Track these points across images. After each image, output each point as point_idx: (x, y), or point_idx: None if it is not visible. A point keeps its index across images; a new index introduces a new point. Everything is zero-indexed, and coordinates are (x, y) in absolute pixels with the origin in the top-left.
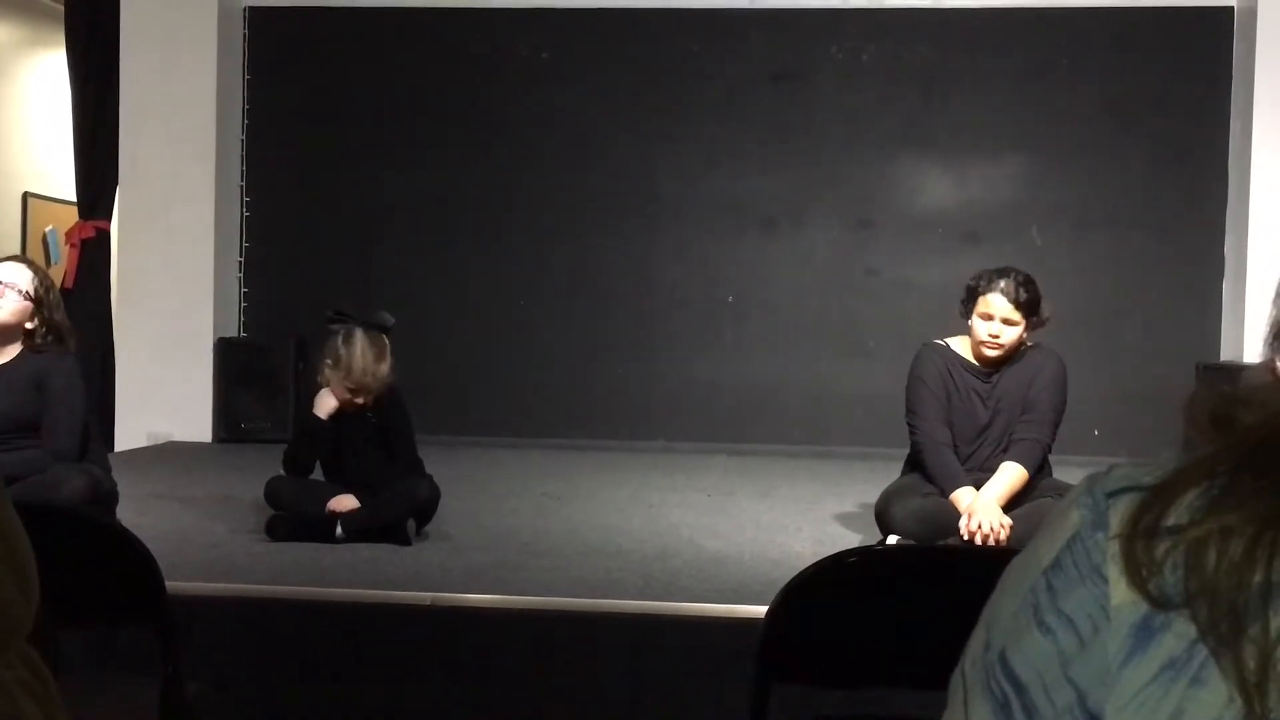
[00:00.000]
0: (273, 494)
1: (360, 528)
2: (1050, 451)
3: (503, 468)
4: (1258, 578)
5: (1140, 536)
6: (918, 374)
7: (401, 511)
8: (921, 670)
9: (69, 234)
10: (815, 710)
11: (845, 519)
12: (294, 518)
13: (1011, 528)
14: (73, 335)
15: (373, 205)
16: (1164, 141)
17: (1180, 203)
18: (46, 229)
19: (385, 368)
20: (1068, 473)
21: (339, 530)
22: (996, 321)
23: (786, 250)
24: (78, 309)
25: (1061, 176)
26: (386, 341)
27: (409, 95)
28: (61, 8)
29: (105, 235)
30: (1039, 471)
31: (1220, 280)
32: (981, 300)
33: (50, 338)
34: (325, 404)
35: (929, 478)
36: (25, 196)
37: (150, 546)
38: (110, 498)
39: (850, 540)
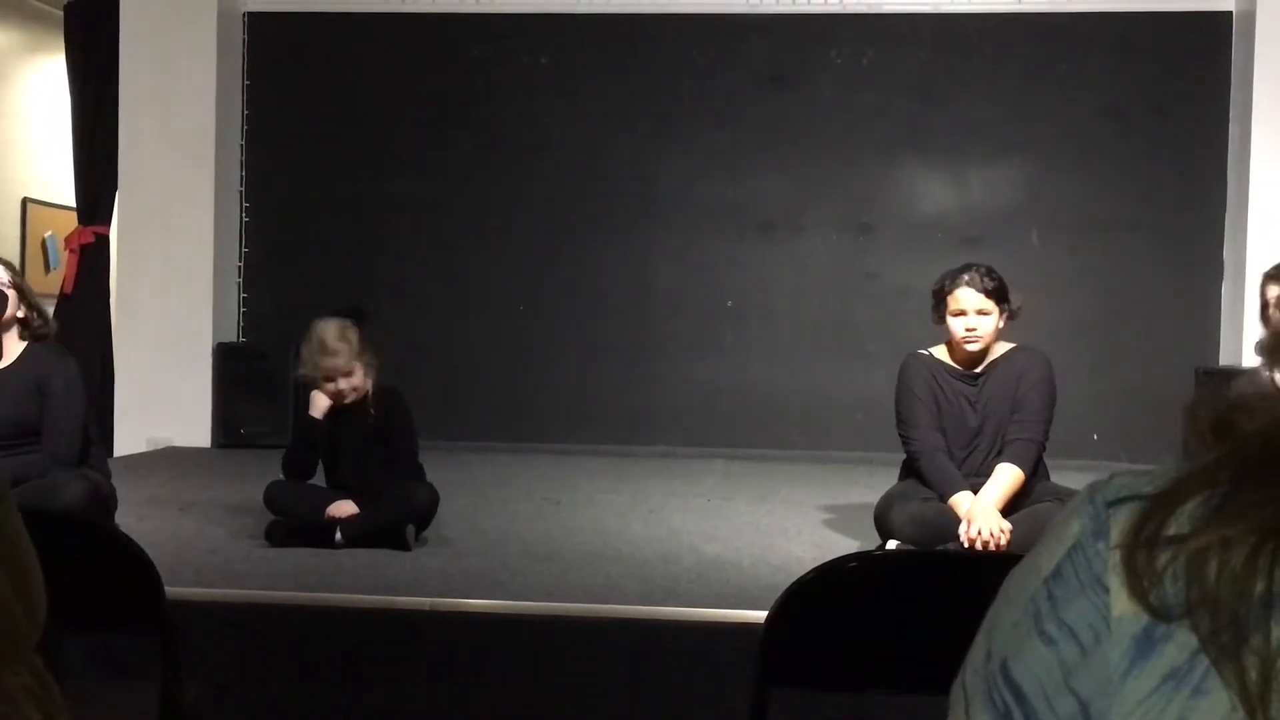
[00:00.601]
0: (272, 499)
1: (359, 533)
2: (1045, 450)
3: (502, 472)
4: (1259, 588)
5: (1141, 546)
6: (906, 385)
7: (400, 516)
8: (922, 675)
9: (68, 239)
10: (815, 715)
11: (845, 524)
12: (293, 523)
13: (1011, 532)
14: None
15: (372, 210)
16: (1163, 145)
17: (1179, 207)
18: (46, 234)
19: (348, 345)
20: (1067, 477)
21: (338, 535)
22: (971, 315)
23: (786, 255)
24: (77, 314)
25: (1061, 180)
26: (351, 323)
27: (408, 100)
28: (61, 13)
29: (104, 240)
30: (1035, 472)
31: (1219, 284)
32: (951, 299)
33: (41, 322)
34: (319, 403)
35: (927, 484)
36: (24, 202)
37: (149, 552)
38: (110, 503)
39: (850, 545)
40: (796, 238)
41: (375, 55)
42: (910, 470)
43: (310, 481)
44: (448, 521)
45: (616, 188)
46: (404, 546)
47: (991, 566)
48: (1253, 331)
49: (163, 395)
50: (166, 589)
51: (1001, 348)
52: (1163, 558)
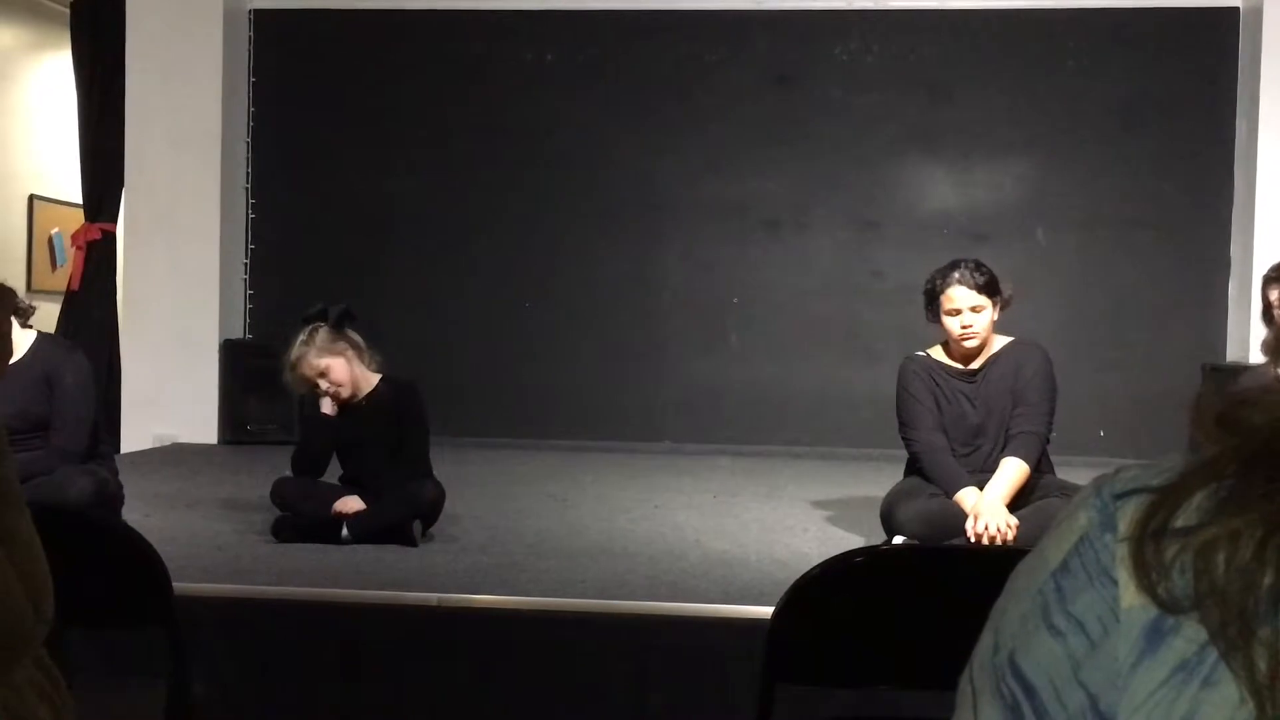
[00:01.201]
0: (278, 495)
1: (366, 529)
2: (1048, 442)
3: (508, 469)
4: (1267, 580)
5: (1149, 539)
6: (904, 387)
7: (407, 513)
8: (928, 671)
9: (74, 236)
10: (822, 711)
11: (851, 520)
12: (300, 519)
13: (1018, 527)
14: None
15: (378, 207)
16: (1170, 142)
17: (1186, 203)
18: (52, 231)
19: (314, 348)
20: (1073, 474)
21: (344, 531)
22: (966, 313)
23: (791, 252)
24: (84, 311)
25: (1067, 178)
26: (319, 327)
27: (413, 98)
28: (67, 10)
29: (111, 238)
30: (1040, 466)
31: (1226, 280)
32: (944, 298)
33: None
34: (327, 400)
35: (932, 483)
36: (31, 199)
37: (156, 548)
38: (116, 499)
39: (856, 541)
40: (802, 235)
41: (381, 52)
42: (915, 467)
43: (322, 477)
44: (454, 518)
45: (622, 185)
46: (411, 542)
47: (998, 562)
48: (1259, 327)
49: (169, 392)
50: (173, 585)
51: (998, 342)
52: (1171, 550)
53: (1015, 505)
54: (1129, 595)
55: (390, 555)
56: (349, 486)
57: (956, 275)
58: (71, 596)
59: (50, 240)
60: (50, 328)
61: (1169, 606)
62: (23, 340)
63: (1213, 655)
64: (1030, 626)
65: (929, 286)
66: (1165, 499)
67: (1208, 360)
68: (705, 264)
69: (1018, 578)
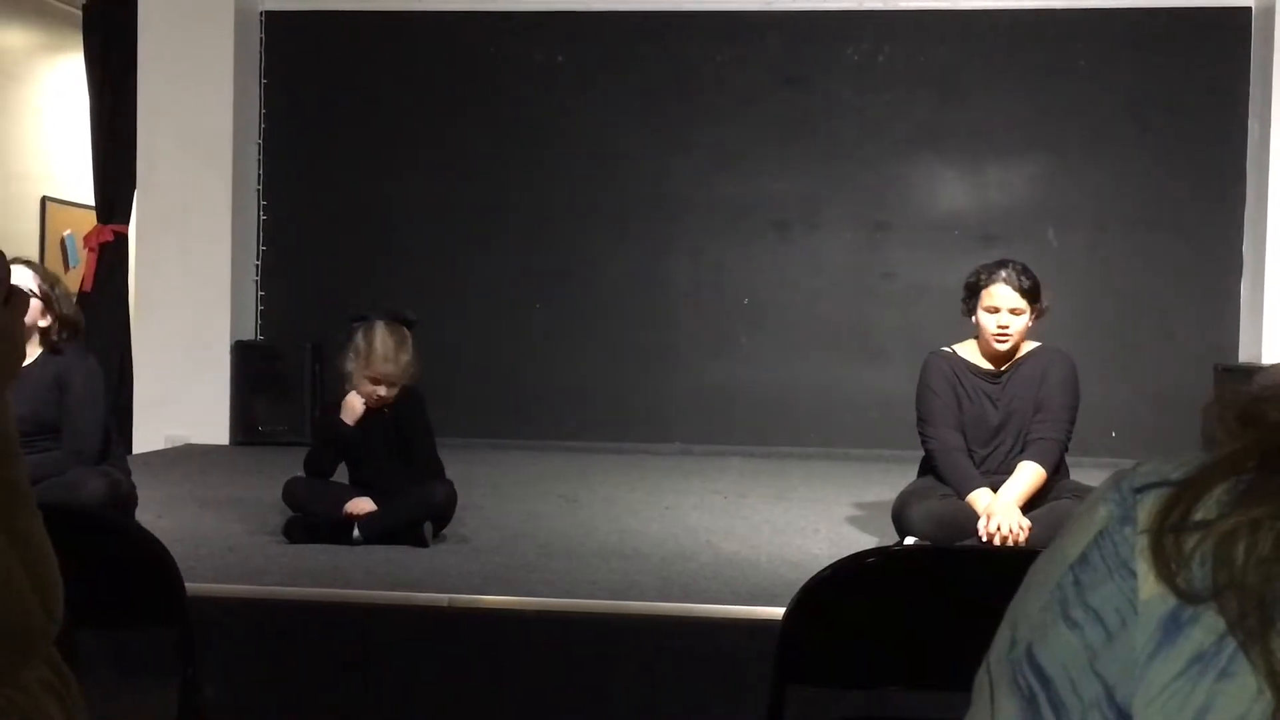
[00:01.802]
0: (290, 496)
1: (377, 530)
2: (1067, 450)
3: (519, 470)
4: None
5: (1169, 531)
6: (926, 382)
7: (418, 514)
8: (940, 671)
9: (87, 238)
10: (833, 712)
11: (862, 521)
12: (311, 520)
13: (1031, 529)
14: (82, 325)
15: (389, 209)
16: (1182, 141)
17: (1198, 203)
18: (65, 233)
19: (406, 356)
20: (1085, 474)
21: (356, 532)
22: (1004, 313)
23: (802, 253)
24: (96, 313)
25: (1078, 177)
26: (407, 333)
27: (425, 99)
28: (79, 12)
29: (123, 239)
30: (1056, 471)
31: (1238, 281)
32: (985, 294)
33: (65, 334)
34: (354, 408)
35: (945, 481)
36: (43, 201)
37: (168, 548)
38: (129, 500)
39: (867, 542)
40: (813, 236)
41: (392, 54)
42: (928, 467)
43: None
44: (465, 519)
45: (633, 186)
46: (422, 543)
47: (1010, 562)
48: (1272, 328)
49: (181, 393)
50: (185, 585)
51: (1026, 347)
52: (1190, 541)
53: (1029, 508)
54: (1148, 586)
55: (401, 556)
56: (360, 488)
57: (1003, 274)
58: (84, 597)
59: (63, 242)
60: None
61: (1188, 597)
62: (35, 345)
63: (1230, 646)
64: (1048, 619)
65: (972, 279)
66: (1185, 492)
67: (1219, 360)
68: (715, 265)
69: (1036, 572)
